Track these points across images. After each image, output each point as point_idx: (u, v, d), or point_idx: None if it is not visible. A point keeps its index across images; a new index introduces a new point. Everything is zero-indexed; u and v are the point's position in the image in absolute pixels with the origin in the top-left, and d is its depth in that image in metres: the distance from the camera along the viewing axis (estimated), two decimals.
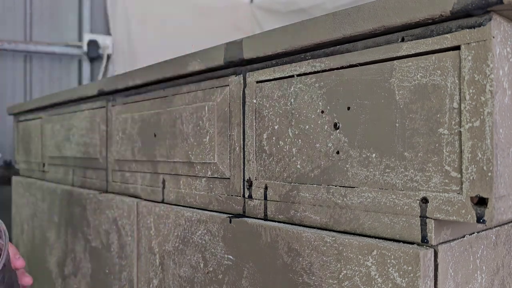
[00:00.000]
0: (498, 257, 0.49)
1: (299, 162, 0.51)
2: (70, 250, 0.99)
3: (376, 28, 0.43)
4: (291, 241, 0.49)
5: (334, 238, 0.45)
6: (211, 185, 0.64)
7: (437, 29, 0.40)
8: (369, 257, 0.42)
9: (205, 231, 0.61)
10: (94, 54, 2.81)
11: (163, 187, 0.73)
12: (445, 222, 0.41)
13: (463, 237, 0.44)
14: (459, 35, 0.38)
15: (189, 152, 0.67)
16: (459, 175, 0.38)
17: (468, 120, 0.38)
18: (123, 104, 0.84)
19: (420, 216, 0.41)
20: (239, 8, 3.34)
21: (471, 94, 0.37)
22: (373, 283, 0.42)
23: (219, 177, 0.62)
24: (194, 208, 0.67)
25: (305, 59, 0.51)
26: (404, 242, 0.42)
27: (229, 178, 0.61)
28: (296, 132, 0.52)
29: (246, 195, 0.58)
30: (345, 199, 0.46)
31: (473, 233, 0.45)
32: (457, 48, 0.38)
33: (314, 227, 0.49)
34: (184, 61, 0.66)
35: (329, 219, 0.48)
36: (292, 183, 0.52)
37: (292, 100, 0.52)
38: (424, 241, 0.40)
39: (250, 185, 0.57)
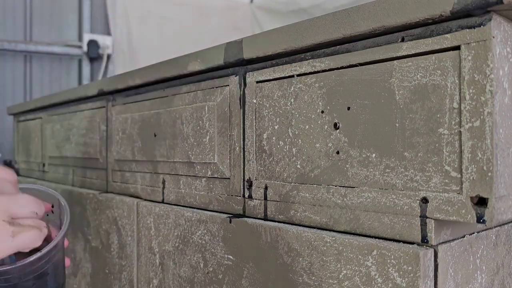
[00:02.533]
0: (498, 257, 0.49)
1: (299, 162, 0.51)
2: (70, 250, 0.99)
3: (376, 28, 0.43)
4: (291, 241, 0.49)
5: (334, 238, 0.45)
6: (211, 185, 0.64)
7: (437, 29, 0.40)
8: (369, 257, 0.42)
9: (205, 231, 0.61)
10: (94, 54, 2.81)
11: (163, 187, 0.73)
12: (445, 222, 0.41)
13: (463, 237, 0.44)
14: (459, 35, 0.38)
15: (189, 152, 0.67)
16: (459, 175, 0.38)
17: (468, 120, 0.38)
18: (123, 104, 0.84)
19: (420, 216, 0.41)
20: (239, 8, 3.34)
21: (471, 94, 0.37)
22: (373, 283, 0.42)
23: (219, 177, 0.62)
24: (194, 208, 0.67)
25: (305, 59, 0.51)
26: (404, 242, 0.42)
27: (229, 178, 0.61)
28: (296, 132, 0.52)
29: (246, 195, 0.58)
30: (345, 199, 0.46)
31: (473, 233, 0.45)
32: (457, 48, 0.38)
33: (314, 227, 0.49)
34: (184, 61, 0.66)
35: (329, 219, 0.48)
36: (292, 183, 0.52)
37: (292, 100, 0.52)
38: (424, 241, 0.40)
39: (250, 185, 0.57)
